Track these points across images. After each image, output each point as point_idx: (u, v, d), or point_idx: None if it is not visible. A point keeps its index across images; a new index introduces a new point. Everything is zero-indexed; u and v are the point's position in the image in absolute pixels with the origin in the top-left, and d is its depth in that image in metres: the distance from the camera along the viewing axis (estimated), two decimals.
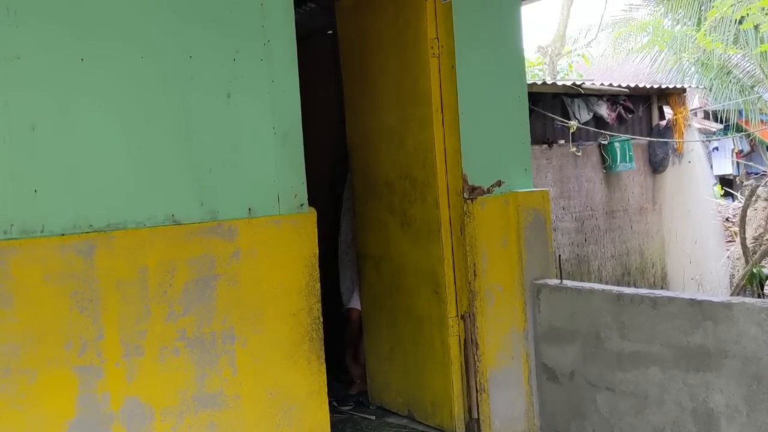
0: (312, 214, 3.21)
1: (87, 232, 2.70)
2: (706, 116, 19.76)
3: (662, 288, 7.07)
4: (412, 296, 4.04)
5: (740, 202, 10.69)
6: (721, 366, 2.99)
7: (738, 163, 19.12)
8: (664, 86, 7.14)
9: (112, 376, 2.73)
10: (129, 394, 2.77)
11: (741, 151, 19.28)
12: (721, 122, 17.68)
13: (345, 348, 4.86)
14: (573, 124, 6.14)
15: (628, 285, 6.85)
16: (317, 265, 3.23)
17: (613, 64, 15.78)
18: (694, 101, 19.85)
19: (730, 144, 19.36)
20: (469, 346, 3.79)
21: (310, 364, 3.18)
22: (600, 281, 6.60)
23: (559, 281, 3.78)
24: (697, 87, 14.12)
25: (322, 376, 3.21)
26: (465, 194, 3.74)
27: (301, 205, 3.19)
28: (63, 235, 2.65)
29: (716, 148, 19.70)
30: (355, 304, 4.69)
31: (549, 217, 3.96)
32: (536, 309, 3.84)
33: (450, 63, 3.74)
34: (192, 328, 2.90)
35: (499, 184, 3.84)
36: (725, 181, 18.18)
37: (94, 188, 2.72)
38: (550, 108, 6.27)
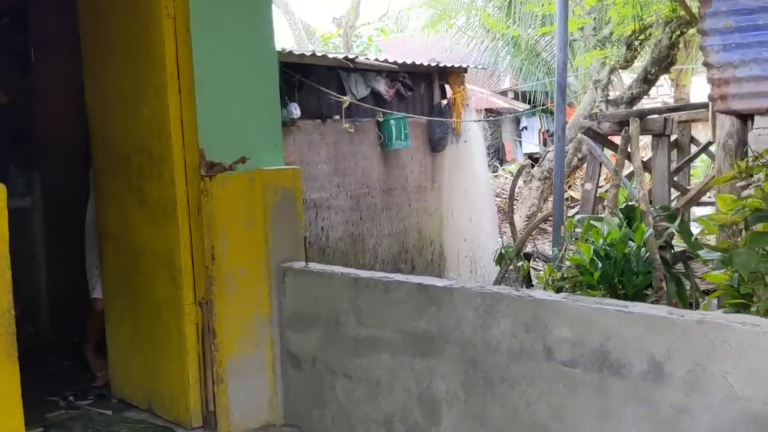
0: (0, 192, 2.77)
1: None
2: (516, 97, 20.83)
3: (439, 266, 7.22)
4: (150, 281, 3.70)
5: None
6: (443, 351, 2.94)
7: (546, 141, 20.36)
8: (442, 65, 7.21)
9: None
10: None
11: (547, 131, 20.55)
12: (530, 102, 18.67)
13: (86, 340, 4.44)
14: (346, 99, 6.01)
15: (405, 263, 6.92)
16: (6, 249, 2.80)
17: (428, 41, 16.01)
18: (505, 81, 20.81)
19: (537, 124, 20.57)
20: (206, 334, 3.53)
21: None
22: (376, 259, 6.60)
23: (304, 264, 3.61)
24: (493, 68, 14.68)
25: (13, 378, 2.81)
26: (202, 171, 3.44)
27: None
28: None
29: (525, 128, 20.89)
30: (99, 293, 4.27)
31: (299, 197, 3.77)
32: (282, 293, 3.64)
33: (186, 26, 3.40)
34: None
35: (243, 160, 3.58)
36: (534, 160, 19.23)
37: None
38: (324, 81, 6.09)
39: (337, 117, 6.02)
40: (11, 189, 5.89)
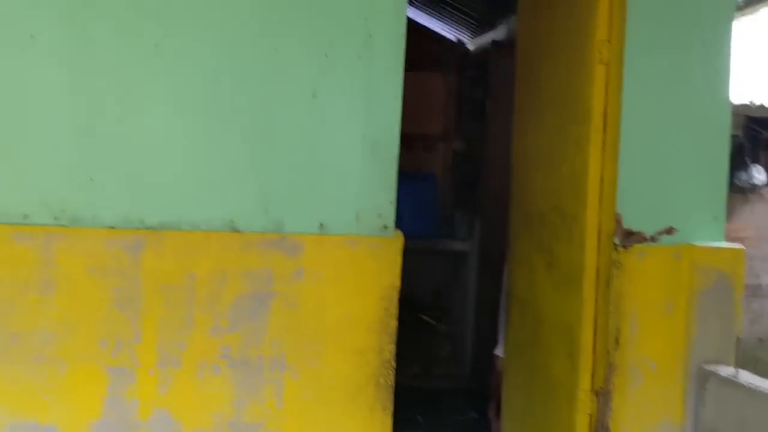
0: (397, 240, 2.75)
1: (137, 228, 2.56)
2: None
3: None
4: (547, 354, 3.33)
5: None
6: None
7: None
8: None
9: (144, 383, 2.56)
10: (159, 406, 2.58)
11: None
12: None
13: (488, 399, 4.27)
14: None
15: None
16: (396, 298, 2.76)
17: None
18: None
19: None
20: (599, 430, 2.99)
21: (373, 413, 2.72)
22: None
23: (734, 371, 2.80)
24: None
25: (386, 430, 2.73)
26: (616, 239, 2.94)
27: (385, 227, 2.74)
28: (112, 228, 2.54)
29: None
30: (502, 351, 4.07)
31: (740, 285, 2.97)
32: (701, 403, 2.90)
33: (619, 71, 2.97)
34: (237, 347, 2.63)
35: (670, 231, 2.97)
36: None
37: (151, 183, 2.57)
38: None
39: None
40: (454, 233, 6.25)
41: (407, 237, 6.28)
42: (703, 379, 2.88)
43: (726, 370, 2.82)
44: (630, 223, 2.95)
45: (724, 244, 2.99)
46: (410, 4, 7.25)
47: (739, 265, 2.95)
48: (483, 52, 6.41)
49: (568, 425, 3.10)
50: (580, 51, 3.12)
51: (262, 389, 2.65)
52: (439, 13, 7.23)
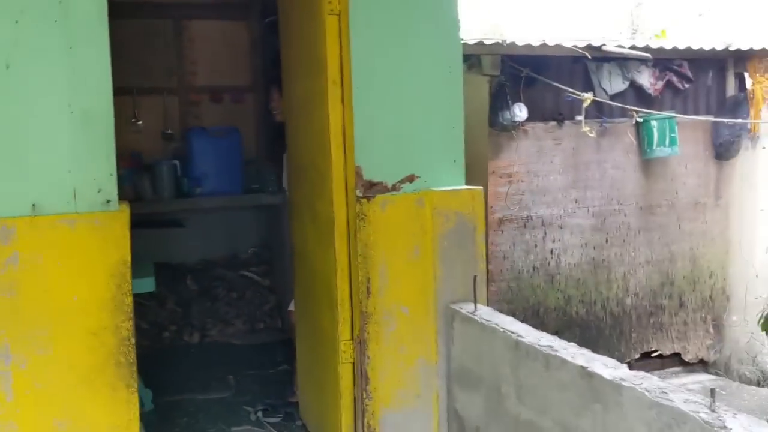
0: (123, 213, 2.62)
1: None
2: None
3: (719, 306, 5.67)
4: (318, 307, 3.36)
5: None
6: None
7: None
8: (744, 48, 5.50)
9: None
10: None
11: None
12: None
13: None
14: (587, 97, 4.92)
15: (671, 298, 5.55)
16: (129, 274, 2.65)
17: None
18: None
19: None
20: (358, 378, 3.07)
21: (116, 393, 2.64)
22: (626, 292, 5.39)
23: (472, 308, 2.92)
24: None
25: (131, 408, 2.67)
26: (358, 191, 2.96)
27: (108, 201, 2.60)
28: None
29: None
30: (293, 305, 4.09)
31: (481, 224, 3.08)
32: (450, 340, 3.02)
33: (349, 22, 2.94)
34: None
35: (411, 179, 3.02)
36: None
37: None
38: (566, 75, 5.08)
39: (580, 118, 5.01)
40: (263, 187, 6.13)
41: (214, 195, 6.06)
42: (451, 318, 2.99)
43: (467, 308, 2.94)
44: (371, 174, 2.97)
45: (462, 187, 3.08)
46: None
47: (477, 205, 3.05)
48: None
49: (334, 375, 3.16)
50: (312, 2, 3.06)
51: None
52: None
